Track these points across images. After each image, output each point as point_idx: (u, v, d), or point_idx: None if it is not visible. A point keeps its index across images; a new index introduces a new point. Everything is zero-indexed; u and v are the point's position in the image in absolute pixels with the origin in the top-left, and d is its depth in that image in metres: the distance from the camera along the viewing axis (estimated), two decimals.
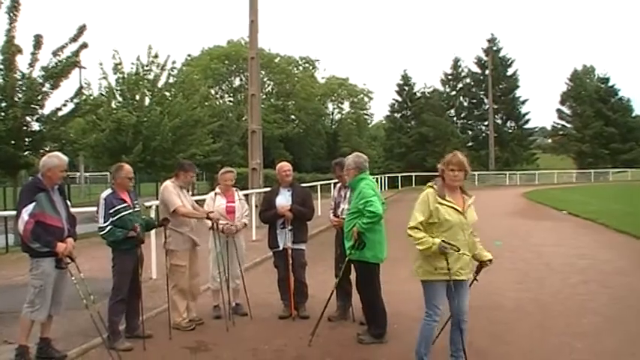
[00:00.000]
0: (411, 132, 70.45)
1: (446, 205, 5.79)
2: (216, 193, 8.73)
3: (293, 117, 68.23)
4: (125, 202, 7.12)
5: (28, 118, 18.41)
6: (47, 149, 18.48)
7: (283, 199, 8.41)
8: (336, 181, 8.56)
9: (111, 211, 6.96)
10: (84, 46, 18.46)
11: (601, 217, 20.83)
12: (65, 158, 6.44)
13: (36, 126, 18.96)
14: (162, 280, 9.92)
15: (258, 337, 7.55)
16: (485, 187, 48.99)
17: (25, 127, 18.42)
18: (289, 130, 62.76)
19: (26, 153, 18.57)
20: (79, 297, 6.70)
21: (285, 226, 8.29)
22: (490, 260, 6.06)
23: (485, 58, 70.78)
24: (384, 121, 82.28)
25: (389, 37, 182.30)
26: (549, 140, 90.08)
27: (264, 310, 8.68)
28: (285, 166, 8.62)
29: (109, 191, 7.14)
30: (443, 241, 5.66)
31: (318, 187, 25.95)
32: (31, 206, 6.01)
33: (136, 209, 7.31)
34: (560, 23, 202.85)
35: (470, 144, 70.46)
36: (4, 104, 17.65)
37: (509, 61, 72.96)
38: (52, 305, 6.33)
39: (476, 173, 54.72)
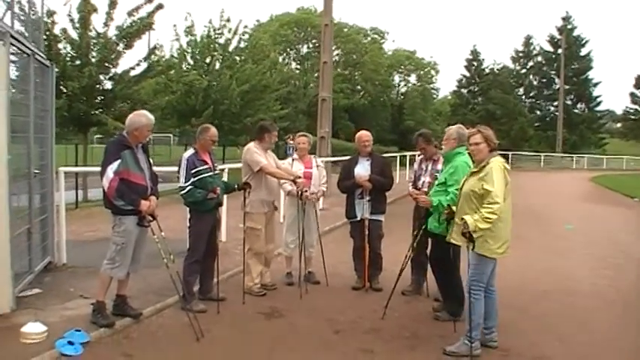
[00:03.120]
0: (478, 108, 69.10)
1: None
2: (293, 159, 8.61)
3: (359, 87, 67.64)
4: (207, 163, 7.07)
5: (101, 77, 18.62)
6: (120, 108, 18.75)
7: (362, 169, 8.23)
8: (415, 153, 8.32)
9: (192, 171, 6.91)
10: (159, 7, 18.48)
11: None
12: (152, 117, 6.36)
13: (109, 85, 19.19)
14: (232, 244, 10.02)
15: (332, 306, 7.45)
16: (551, 170, 48.01)
17: (97, 86, 18.66)
18: (355, 101, 62.24)
19: (98, 111, 18.79)
20: (153, 255, 6.78)
21: (364, 196, 8.12)
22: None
23: (558, 37, 68.82)
24: (449, 97, 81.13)
25: (459, 12, 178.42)
26: (618, 125, 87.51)
27: (336, 279, 8.58)
28: (364, 135, 8.42)
29: (191, 151, 7.07)
30: None
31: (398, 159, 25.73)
32: (116, 164, 5.95)
33: (216, 172, 7.26)
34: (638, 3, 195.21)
35: (537, 124, 68.99)
36: (78, 62, 17.88)
37: (584, 40, 70.70)
38: (130, 263, 6.32)
39: (542, 155, 53.66)
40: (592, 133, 69.72)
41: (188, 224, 7.25)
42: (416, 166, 8.17)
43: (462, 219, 5.40)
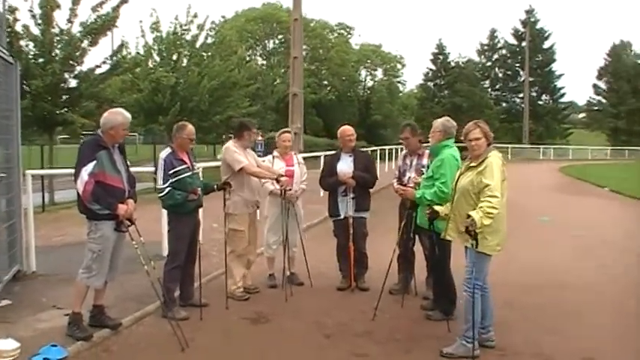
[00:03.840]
0: (444, 102, 69.38)
1: None
2: (274, 157, 8.28)
3: (326, 83, 67.48)
4: (185, 163, 6.72)
5: (66, 75, 18.13)
6: (86, 107, 18.35)
7: (345, 166, 7.95)
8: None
9: (170, 172, 6.56)
10: (124, 1, 18.04)
11: None
12: (129, 115, 6.00)
13: (73, 83, 18.70)
14: (208, 245, 9.72)
15: (319, 309, 7.17)
16: (519, 161, 48.21)
17: (62, 84, 18.17)
18: (323, 96, 62.03)
19: (63, 110, 18.31)
20: (129, 260, 6.44)
21: (347, 194, 7.84)
22: None
23: (522, 30, 69.52)
24: (415, 90, 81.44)
25: (425, 5, 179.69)
26: (580, 115, 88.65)
27: (320, 280, 8.30)
28: (348, 130, 8.13)
29: (168, 151, 6.72)
30: None
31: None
32: (91, 165, 5.57)
33: (195, 171, 6.92)
34: None
35: (503, 116, 69.64)
36: (42, 60, 17.38)
37: (547, 33, 71.58)
38: (108, 271, 5.96)
39: (509, 146, 53.97)
40: (557, 124, 70.66)
41: (167, 228, 6.90)
42: (400, 161, 7.92)
43: (469, 215, 5.14)
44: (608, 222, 15.05)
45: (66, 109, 18.40)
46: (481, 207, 5.18)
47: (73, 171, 5.71)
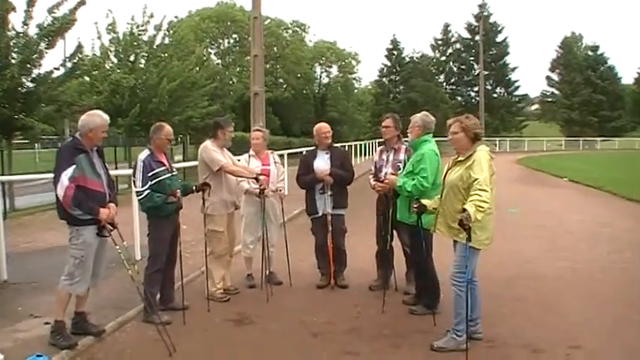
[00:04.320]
0: (400, 97, 69.98)
1: None
2: (250, 156, 8.19)
3: (281, 81, 67.47)
4: (164, 165, 6.61)
5: (23, 79, 17.68)
6: (44, 110, 17.94)
7: (322, 163, 7.90)
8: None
9: (149, 174, 6.44)
10: (81, 3, 17.62)
11: (606, 185, 20.79)
12: (107, 117, 5.88)
13: (30, 86, 18.24)
14: (183, 246, 9.47)
15: (302, 308, 7.13)
16: None
17: (19, 88, 17.72)
18: (279, 94, 61.97)
19: (22, 115, 17.86)
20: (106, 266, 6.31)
21: (325, 191, 7.80)
22: None
23: (475, 24, 70.47)
24: (370, 87, 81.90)
25: (378, 1, 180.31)
26: (533, 107, 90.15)
27: (298, 278, 8.22)
28: (323, 127, 8.07)
29: (146, 153, 6.59)
30: None
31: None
32: (70, 170, 5.43)
33: (174, 173, 6.81)
34: None
35: (459, 110, 70.26)
36: None
37: (500, 27, 72.82)
38: (90, 277, 5.84)
39: None
40: (512, 117, 71.76)
41: (147, 231, 6.75)
42: (376, 157, 7.89)
43: (464, 210, 5.13)
44: (571, 211, 15.30)
45: (24, 114, 17.91)
46: (472, 200, 5.17)
47: (39, 176, 5.58)
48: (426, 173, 6.47)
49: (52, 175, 5.59)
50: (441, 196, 5.85)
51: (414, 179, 6.53)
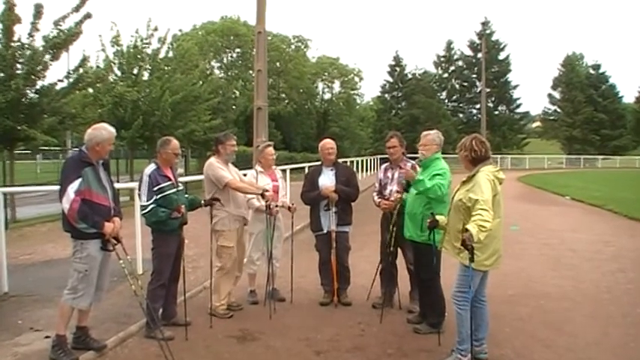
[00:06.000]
0: (402, 113, 70.07)
1: None
2: (258, 172, 8.10)
3: (284, 95, 67.62)
4: (170, 179, 6.57)
5: (27, 90, 17.69)
6: (48, 122, 17.94)
7: (327, 179, 7.88)
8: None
9: (155, 188, 6.40)
10: (87, 16, 17.68)
11: (608, 204, 20.66)
12: (113, 130, 5.86)
13: (34, 98, 18.24)
14: (185, 261, 9.46)
15: (305, 325, 7.06)
16: None
17: (23, 99, 17.72)
18: (281, 109, 62.05)
19: (25, 126, 17.85)
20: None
21: (330, 208, 7.75)
22: None
23: (477, 41, 70.65)
24: (371, 103, 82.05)
25: (381, 18, 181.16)
26: (534, 125, 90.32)
27: (301, 295, 8.20)
28: (328, 143, 8.04)
29: (152, 167, 6.56)
30: None
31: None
32: (77, 182, 5.41)
33: (179, 187, 6.77)
34: (553, 8, 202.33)
35: (460, 127, 70.43)
36: (2, 75, 16.93)
37: (502, 45, 72.99)
38: (94, 291, 5.79)
39: None
40: (514, 134, 71.79)
41: (152, 245, 6.69)
42: (381, 174, 7.85)
43: (467, 230, 5.08)
44: (574, 230, 15.22)
45: (27, 125, 17.90)
46: (474, 221, 5.11)
47: (41, 188, 5.55)
48: (444, 181, 6.47)
49: (53, 188, 5.56)
50: (448, 215, 5.82)
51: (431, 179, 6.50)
